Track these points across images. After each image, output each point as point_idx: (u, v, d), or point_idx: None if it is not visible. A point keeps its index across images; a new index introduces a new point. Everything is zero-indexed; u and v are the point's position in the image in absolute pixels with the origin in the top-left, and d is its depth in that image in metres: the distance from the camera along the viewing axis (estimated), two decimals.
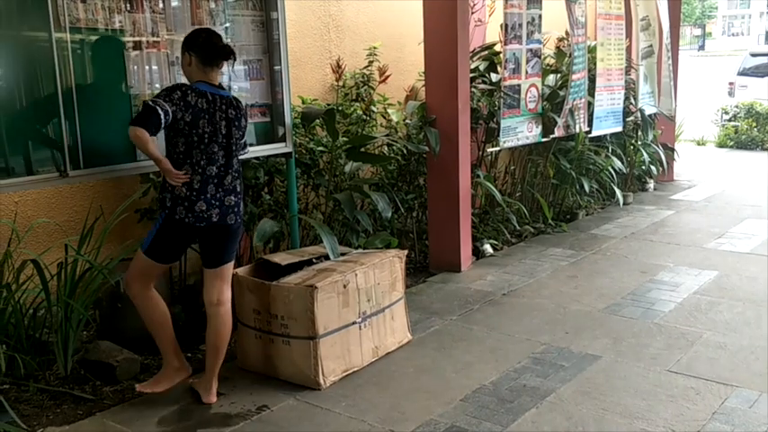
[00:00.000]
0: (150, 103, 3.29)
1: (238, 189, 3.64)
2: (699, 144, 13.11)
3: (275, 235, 4.71)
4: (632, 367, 3.98)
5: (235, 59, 3.64)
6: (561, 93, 7.15)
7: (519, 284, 5.47)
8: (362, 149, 5.20)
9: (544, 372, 3.95)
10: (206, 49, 3.49)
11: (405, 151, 5.84)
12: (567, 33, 7.35)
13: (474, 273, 5.79)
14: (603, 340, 4.37)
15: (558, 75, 7.43)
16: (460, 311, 4.94)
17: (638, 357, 4.11)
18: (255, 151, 4.50)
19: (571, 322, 4.68)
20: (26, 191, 4.16)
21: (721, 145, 12.73)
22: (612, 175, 7.85)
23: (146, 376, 3.96)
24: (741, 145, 12.40)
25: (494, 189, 6.41)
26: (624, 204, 8.04)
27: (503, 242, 6.53)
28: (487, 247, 6.25)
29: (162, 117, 3.27)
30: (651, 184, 9.13)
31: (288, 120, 4.60)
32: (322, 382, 3.80)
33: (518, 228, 6.79)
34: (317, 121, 5.14)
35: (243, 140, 3.70)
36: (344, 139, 5.31)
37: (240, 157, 3.73)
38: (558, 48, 7.68)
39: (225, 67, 3.73)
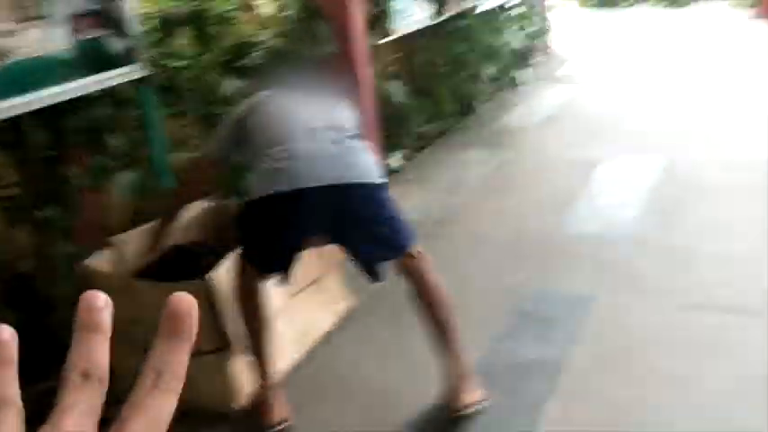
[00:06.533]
0: None
1: None
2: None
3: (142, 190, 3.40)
4: (641, 306, 3.15)
5: None
6: None
7: (449, 206, 4.50)
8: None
9: (539, 333, 3.04)
10: None
11: None
12: None
13: None
14: (585, 272, 3.52)
15: None
16: None
17: (637, 291, 3.29)
18: (91, 84, 3.09)
19: (534, 252, 3.77)
20: None
21: (584, 4, 12.27)
22: (508, 55, 6.92)
23: None
24: (603, 3, 12.00)
25: (394, 89, 5.28)
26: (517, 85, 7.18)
27: (411, 150, 5.49)
28: (396, 160, 5.20)
29: None
30: (534, 60, 8.32)
31: (135, 30, 3.21)
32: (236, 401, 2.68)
33: (419, 129, 5.76)
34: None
35: None
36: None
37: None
38: None
39: None
